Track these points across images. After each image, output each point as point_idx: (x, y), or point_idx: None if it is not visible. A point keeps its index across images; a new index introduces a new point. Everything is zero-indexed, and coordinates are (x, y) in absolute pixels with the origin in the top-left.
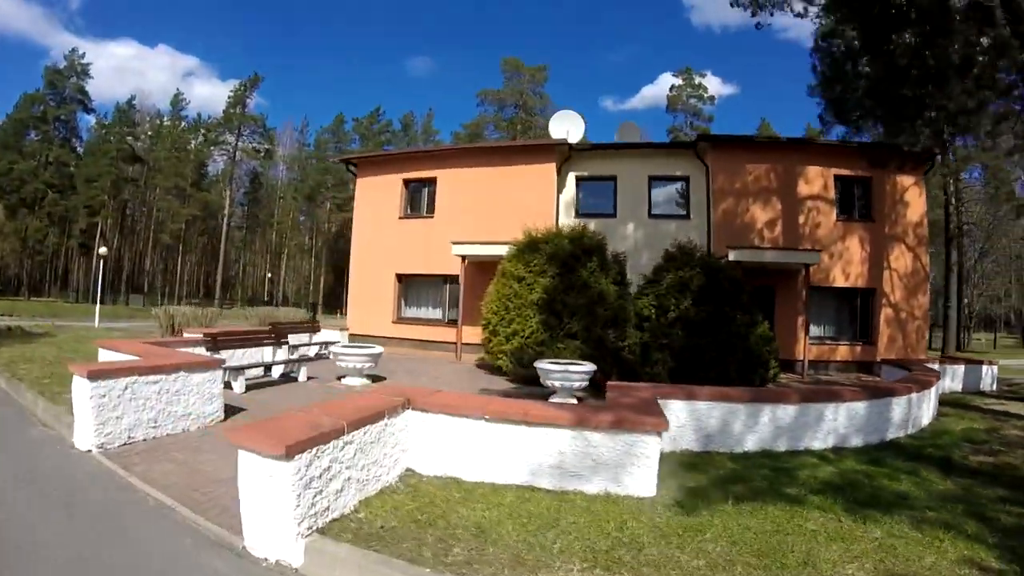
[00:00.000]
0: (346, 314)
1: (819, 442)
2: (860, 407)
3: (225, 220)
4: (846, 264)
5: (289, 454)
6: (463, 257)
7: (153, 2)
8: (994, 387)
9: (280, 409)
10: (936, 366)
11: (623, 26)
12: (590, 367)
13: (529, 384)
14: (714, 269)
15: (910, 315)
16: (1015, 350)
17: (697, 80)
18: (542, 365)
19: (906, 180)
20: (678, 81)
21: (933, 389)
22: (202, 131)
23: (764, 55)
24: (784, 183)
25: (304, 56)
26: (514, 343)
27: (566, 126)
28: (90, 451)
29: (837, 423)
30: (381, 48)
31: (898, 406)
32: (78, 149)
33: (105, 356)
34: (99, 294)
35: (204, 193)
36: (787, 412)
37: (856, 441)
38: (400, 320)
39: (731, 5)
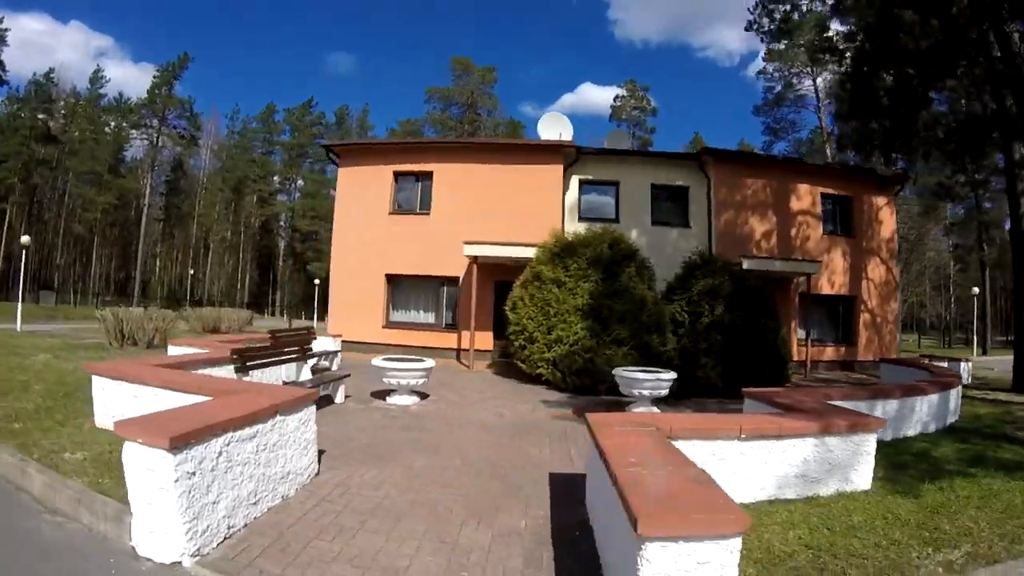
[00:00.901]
0: (315, 318)
1: (912, 429)
2: (935, 399)
3: (144, 211)
4: (831, 274)
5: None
6: (474, 258)
7: None
8: (970, 380)
9: (372, 445)
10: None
11: (547, 37)
12: (673, 374)
13: (581, 393)
14: (740, 277)
15: (884, 319)
16: (940, 350)
17: (640, 93)
18: (627, 373)
19: (880, 200)
20: (622, 92)
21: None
22: (122, 112)
23: (681, 72)
24: (778, 198)
25: (227, 44)
26: (557, 350)
27: (557, 128)
28: (179, 563)
29: (921, 412)
30: (303, 41)
31: (952, 397)
32: None
33: (113, 388)
34: (21, 292)
35: (121, 180)
36: (892, 406)
37: (932, 427)
38: (390, 325)
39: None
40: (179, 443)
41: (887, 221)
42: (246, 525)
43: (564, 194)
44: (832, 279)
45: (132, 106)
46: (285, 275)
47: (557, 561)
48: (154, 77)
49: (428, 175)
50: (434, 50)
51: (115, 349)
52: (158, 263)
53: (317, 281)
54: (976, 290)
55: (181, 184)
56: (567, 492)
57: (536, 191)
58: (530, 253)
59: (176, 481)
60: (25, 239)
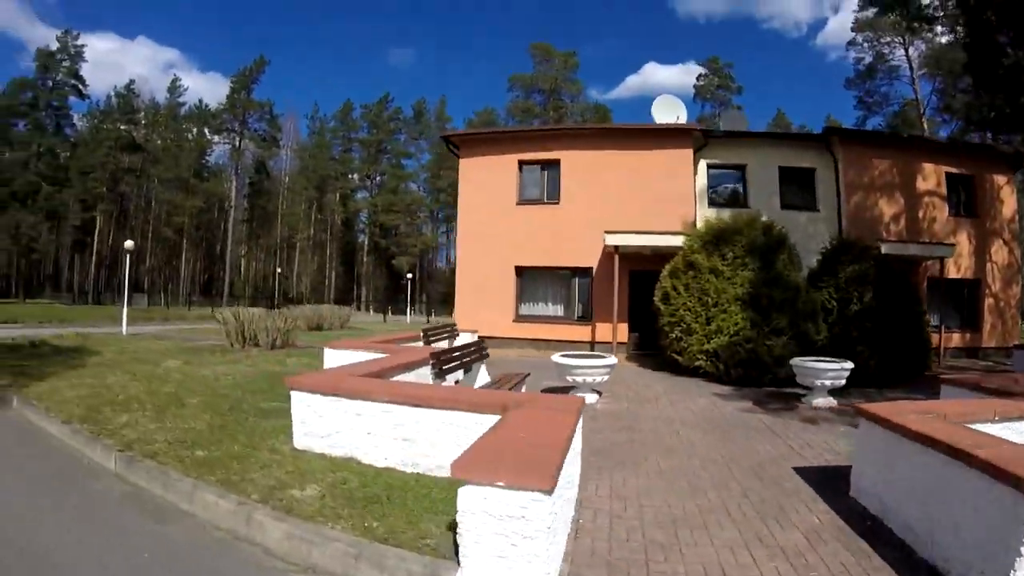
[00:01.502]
0: (409, 312)
1: None
2: None
3: (231, 213)
4: (957, 257)
5: None
6: (615, 248)
7: None
8: None
9: (605, 448)
10: None
11: (604, 17)
12: (851, 364)
13: (744, 385)
14: (883, 262)
15: (1007, 304)
16: None
17: (725, 71)
18: (808, 364)
19: (1000, 179)
20: (701, 70)
21: None
22: (204, 119)
23: (750, 46)
24: (904, 178)
25: (290, 49)
26: (718, 341)
27: (673, 112)
28: None
29: None
30: (365, 38)
31: None
32: (71, 138)
33: (323, 405)
34: (125, 295)
35: (206, 184)
36: None
37: None
38: (520, 318)
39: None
40: (554, 483)
41: (1008, 201)
42: (566, 561)
43: (694, 179)
44: (958, 262)
45: (213, 112)
46: (368, 271)
47: (880, 553)
48: (232, 82)
49: (555, 163)
50: (488, 35)
51: (238, 351)
52: (243, 263)
53: (410, 275)
54: None
55: (264, 185)
56: (826, 485)
57: (666, 177)
58: (676, 241)
59: (548, 528)
60: (129, 244)
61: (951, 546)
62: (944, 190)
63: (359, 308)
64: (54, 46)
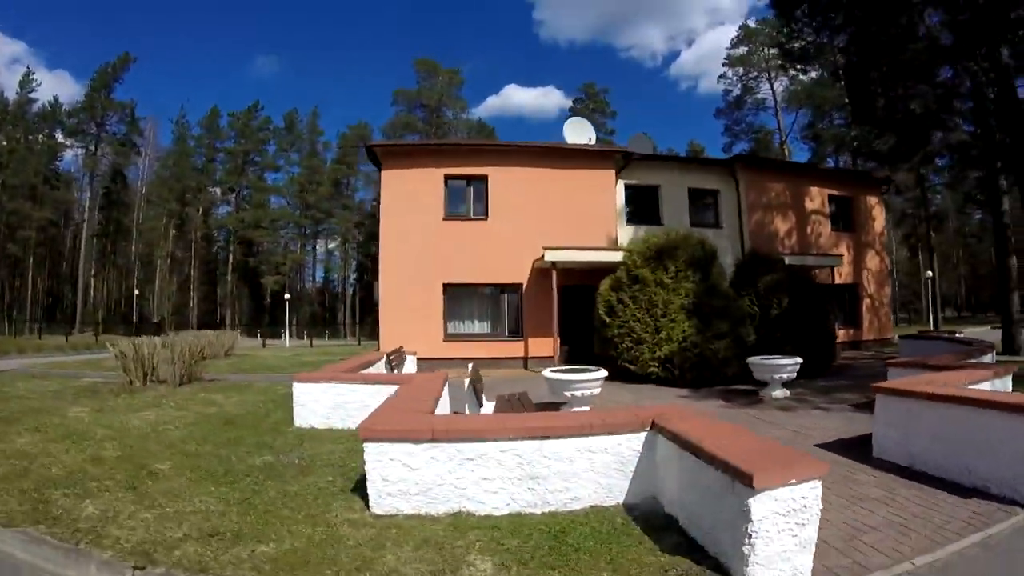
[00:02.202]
0: (288, 336)
1: None
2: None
3: (84, 225)
4: (839, 265)
5: None
6: (553, 264)
7: None
8: None
9: None
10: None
11: (466, 38)
12: (799, 359)
13: (699, 387)
14: (793, 272)
15: (880, 303)
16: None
17: (601, 95)
18: (766, 361)
19: (872, 199)
20: (561, 93)
21: None
22: (57, 119)
23: (608, 72)
24: (795, 199)
25: (155, 47)
26: (667, 349)
27: (584, 133)
28: None
29: None
30: (233, 43)
31: None
32: None
33: (418, 455)
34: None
35: (56, 192)
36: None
37: None
38: (449, 338)
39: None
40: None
41: (879, 217)
42: None
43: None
44: (839, 270)
45: (68, 111)
46: (232, 291)
47: (938, 487)
48: (91, 80)
49: (482, 179)
50: (360, 46)
51: (142, 389)
52: (93, 283)
53: (288, 296)
54: (929, 273)
55: (120, 196)
56: (851, 453)
57: (590, 196)
58: (614, 257)
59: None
60: None
61: (990, 471)
62: (827, 209)
63: (223, 327)
64: None
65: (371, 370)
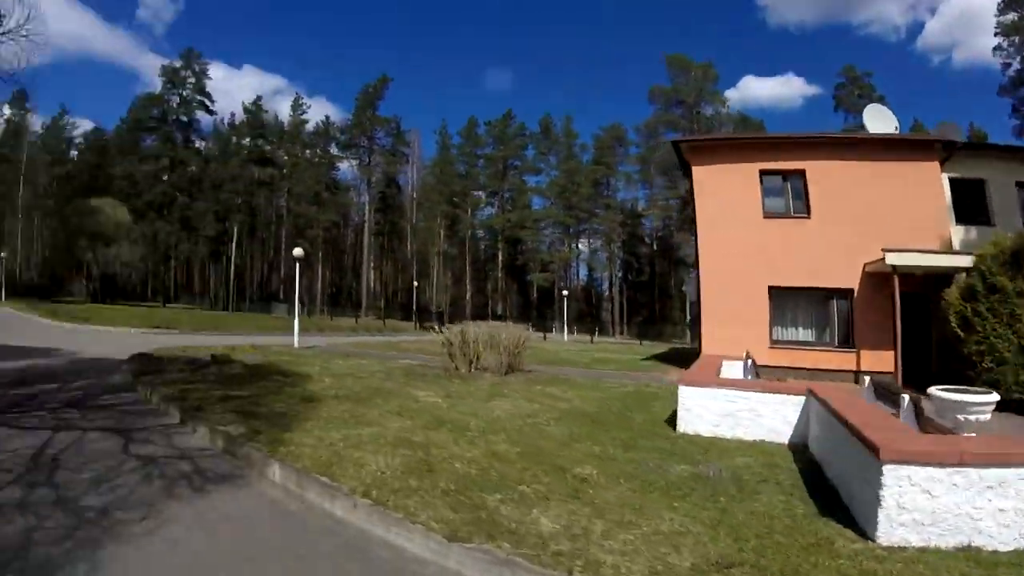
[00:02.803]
0: (566, 330)
1: None
2: None
3: (366, 225)
4: None
5: None
6: (893, 268)
7: (238, 23)
8: None
9: None
10: None
11: (696, 30)
12: None
13: None
14: None
15: None
16: None
17: (864, 79)
18: None
19: None
20: (800, 81)
21: None
22: (332, 134)
23: (849, 52)
24: None
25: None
26: None
27: (887, 122)
28: None
29: None
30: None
31: None
32: (202, 152)
33: None
34: (298, 304)
35: (337, 197)
36: None
37: None
38: (775, 344)
39: None
40: None
41: None
42: None
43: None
44: None
45: (341, 128)
46: (502, 287)
47: None
48: (356, 100)
49: (799, 173)
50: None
51: (468, 375)
52: (372, 275)
53: (565, 293)
54: None
55: (394, 200)
56: None
57: (911, 190)
58: (959, 262)
59: None
60: (298, 251)
61: None
62: None
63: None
64: (157, 81)
65: (725, 374)
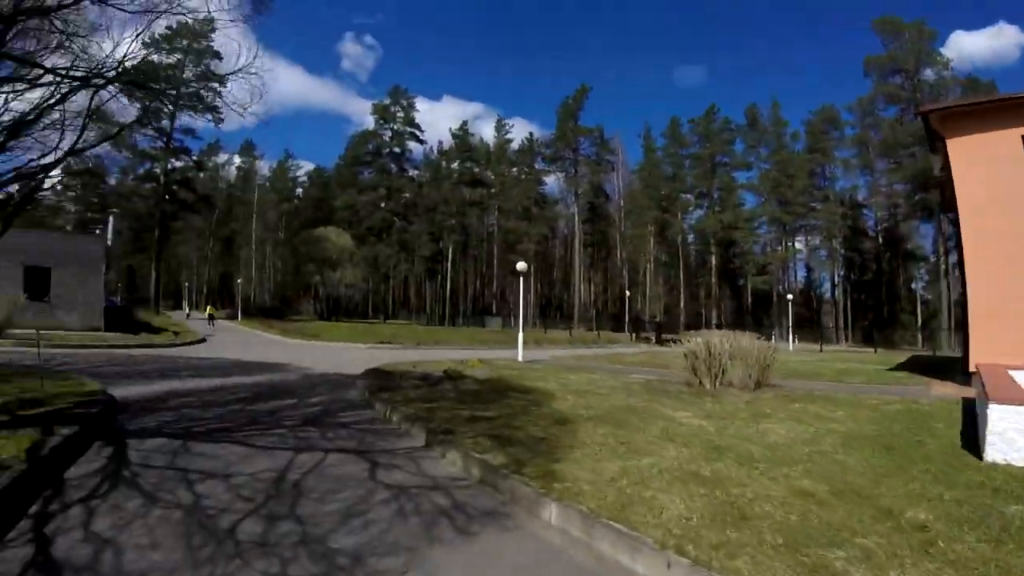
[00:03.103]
0: (792, 339)
1: None
2: None
3: (576, 237)
4: None
5: None
6: None
7: (433, 59)
8: None
9: None
10: None
11: None
12: None
13: None
14: None
15: None
16: None
17: None
18: None
19: None
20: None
21: None
22: (538, 149)
23: None
24: None
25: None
26: None
27: None
28: None
29: None
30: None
31: None
32: (415, 179)
33: None
34: (520, 319)
35: (546, 210)
36: None
37: None
38: None
39: None
40: None
41: None
42: None
43: None
44: None
45: (546, 143)
46: (715, 292)
47: None
48: (558, 112)
49: None
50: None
51: (713, 391)
52: (581, 287)
53: (790, 297)
54: None
55: (602, 209)
56: None
57: None
58: None
59: None
60: (521, 265)
61: None
62: None
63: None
64: (367, 121)
65: None
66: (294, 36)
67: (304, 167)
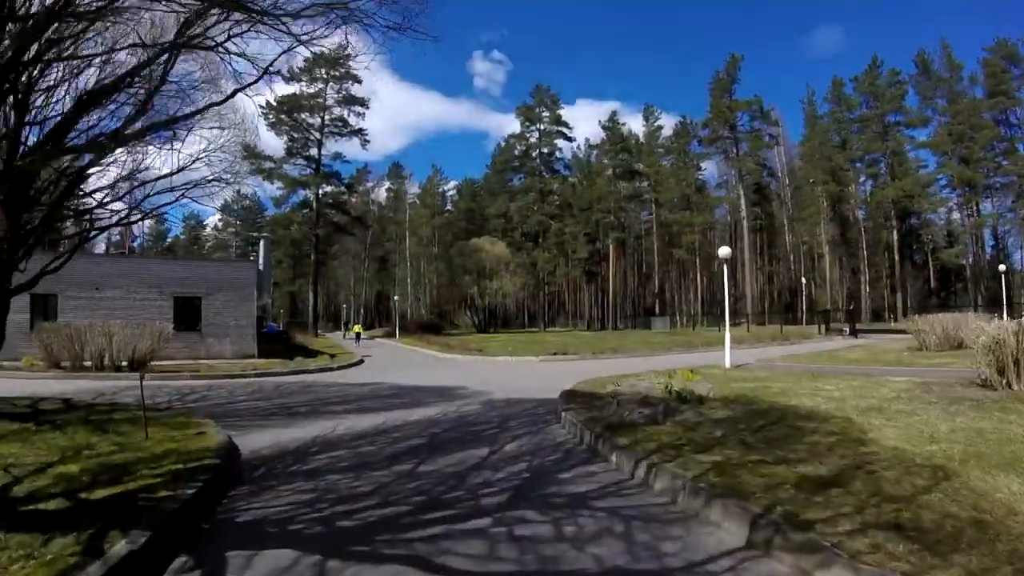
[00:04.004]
0: None
1: None
2: None
3: (744, 222)
4: None
5: None
6: None
7: (561, 64)
8: None
9: None
10: None
11: None
12: None
13: None
14: None
15: None
16: None
17: None
18: None
19: None
20: None
21: None
22: (693, 131)
23: None
24: None
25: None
26: None
27: None
28: None
29: None
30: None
31: None
32: (568, 178)
33: None
34: (726, 317)
35: (707, 196)
36: None
37: None
38: None
39: None
40: None
41: None
42: None
43: None
44: None
45: (703, 123)
46: (899, 272)
47: None
48: (710, 88)
49: None
50: None
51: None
52: (749, 278)
53: (1003, 268)
54: None
55: (767, 189)
56: None
57: None
58: None
59: None
60: (724, 251)
61: None
62: None
63: (892, 318)
64: (502, 133)
65: None
66: (427, 65)
67: (452, 181)
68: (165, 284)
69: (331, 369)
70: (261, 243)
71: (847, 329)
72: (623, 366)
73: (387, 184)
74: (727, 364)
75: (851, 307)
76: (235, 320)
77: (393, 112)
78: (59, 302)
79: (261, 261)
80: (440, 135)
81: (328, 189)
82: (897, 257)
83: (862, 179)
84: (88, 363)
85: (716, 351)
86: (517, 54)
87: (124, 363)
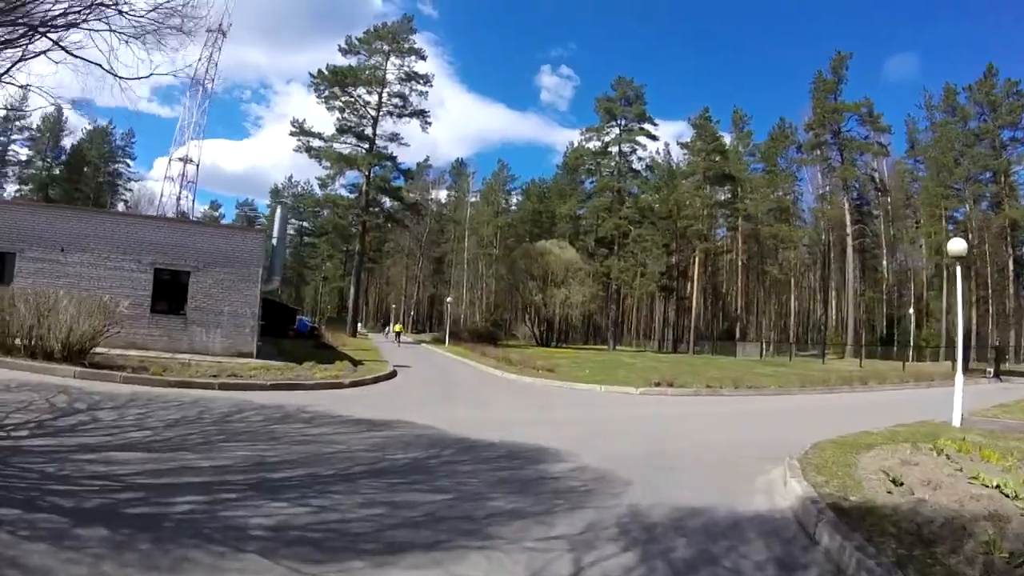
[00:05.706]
0: None
1: None
2: None
3: (849, 240)
4: None
5: None
6: None
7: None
8: None
9: None
10: None
11: None
12: None
13: None
14: None
15: None
16: None
17: None
18: None
19: None
20: None
21: None
22: (787, 135)
23: None
24: None
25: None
26: None
27: None
28: None
29: None
30: None
31: None
32: (648, 179)
33: None
34: (961, 347)
35: (815, 208)
36: None
37: None
38: None
39: None
40: None
41: None
42: None
43: None
44: None
45: (806, 125)
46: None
47: None
48: (812, 89)
49: None
50: None
51: None
52: (851, 301)
53: None
54: None
55: (873, 205)
56: None
57: None
58: None
59: None
60: (958, 245)
61: None
62: None
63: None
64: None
65: None
66: (494, 75)
67: (519, 178)
68: (144, 251)
69: (340, 385)
70: (277, 211)
71: (991, 370)
72: (782, 416)
73: (447, 181)
74: (956, 420)
75: (997, 343)
76: (231, 306)
77: (457, 120)
78: (16, 263)
79: (276, 232)
80: (505, 146)
81: (380, 172)
82: (1012, 290)
83: (980, 198)
84: (18, 342)
85: (865, 391)
86: (586, 70)
87: (56, 347)
